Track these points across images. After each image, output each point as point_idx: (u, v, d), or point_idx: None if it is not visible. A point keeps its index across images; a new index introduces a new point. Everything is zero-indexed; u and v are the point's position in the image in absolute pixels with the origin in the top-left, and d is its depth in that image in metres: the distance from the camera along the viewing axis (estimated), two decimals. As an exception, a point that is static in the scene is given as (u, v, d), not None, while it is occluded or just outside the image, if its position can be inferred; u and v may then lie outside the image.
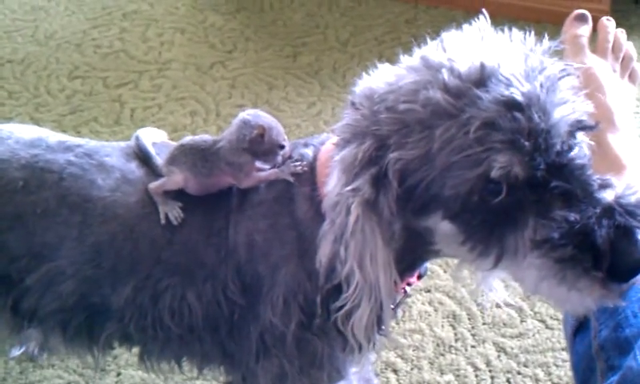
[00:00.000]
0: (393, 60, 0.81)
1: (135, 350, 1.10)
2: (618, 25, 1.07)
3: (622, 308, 0.87)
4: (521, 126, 0.68)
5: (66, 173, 0.98)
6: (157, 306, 0.96)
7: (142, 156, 1.01)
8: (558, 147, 0.70)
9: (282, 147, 0.95)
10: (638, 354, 0.81)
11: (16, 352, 1.45)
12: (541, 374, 1.40)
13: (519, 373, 1.41)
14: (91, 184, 0.97)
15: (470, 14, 0.81)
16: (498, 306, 1.51)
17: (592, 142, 0.81)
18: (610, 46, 1.05)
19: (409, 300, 1.52)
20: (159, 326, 0.97)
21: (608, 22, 1.06)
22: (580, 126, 0.74)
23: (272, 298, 0.91)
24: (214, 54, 2.43)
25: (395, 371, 1.42)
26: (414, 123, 0.72)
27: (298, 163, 0.92)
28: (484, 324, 1.51)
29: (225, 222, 0.94)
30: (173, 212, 0.95)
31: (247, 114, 0.96)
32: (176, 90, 2.27)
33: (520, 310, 1.52)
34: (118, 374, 1.43)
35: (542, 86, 0.71)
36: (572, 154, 0.71)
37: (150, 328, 0.98)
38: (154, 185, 0.96)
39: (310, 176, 0.91)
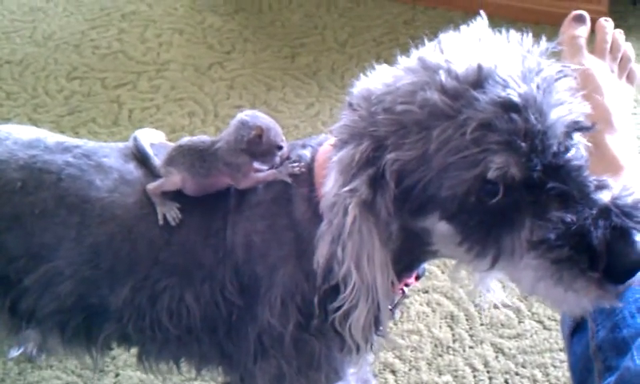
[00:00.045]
0: (391, 61, 0.81)
1: (134, 350, 1.10)
2: (616, 26, 1.07)
3: (620, 309, 0.87)
4: (517, 127, 0.68)
5: (64, 174, 0.98)
6: (155, 306, 0.96)
7: (140, 157, 1.02)
8: (555, 148, 0.70)
9: (280, 148, 0.95)
10: (635, 355, 0.81)
11: (14, 353, 1.45)
12: (539, 375, 1.40)
13: (517, 373, 1.41)
14: (89, 185, 0.97)
15: (468, 15, 0.81)
16: (495, 306, 1.51)
17: (589, 143, 0.81)
18: (608, 46, 1.05)
19: (407, 301, 1.52)
20: (157, 327, 0.97)
21: (606, 23, 1.06)
22: (577, 127, 0.74)
23: (270, 298, 0.91)
24: (213, 55, 2.43)
25: (393, 372, 1.42)
26: (412, 124, 0.72)
27: (296, 164, 0.92)
28: (482, 325, 1.51)
29: (223, 222, 0.94)
30: (171, 213, 0.95)
31: (245, 114, 0.96)
32: (174, 91, 2.27)
33: (518, 311, 1.52)
34: (117, 375, 1.43)
35: (538, 87, 0.71)
36: (569, 155, 0.72)
37: (148, 329, 0.98)
38: (152, 186, 0.96)
39: (307, 177, 0.91)
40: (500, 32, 0.78)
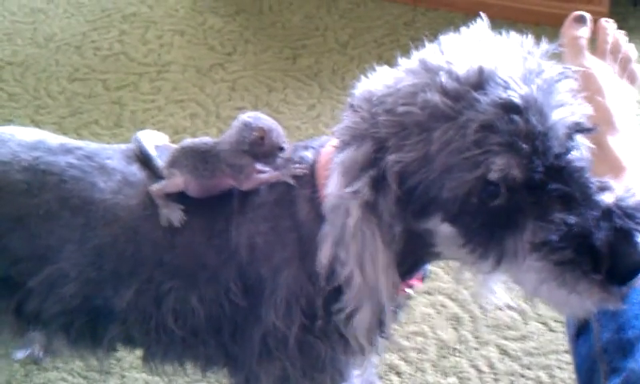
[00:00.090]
0: (392, 62, 0.81)
1: (139, 352, 1.10)
2: (617, 27, 1.08)
3: (624, 310, 0.87)
4: (518, 128, 0.68)
5: (67, 175, 0.98)
6: (160, 308, 0.96)
7: (143, 158, 1.02)
8: (556, 150, 0.70)
9: (282, 149, 0.95)
10: (640, 356, 0.81)
11: (20, 354, 1.45)
12: (544, 377, 1.40)
13: (522, 375, 1.41)
14: (93, 186, 0.97)
15: (469, 16, 0.81)
16: (500, 308, 1.51)
17: (591, 144, 0.81)
18: (609, 47, 1.05)
19: (411, 303, 1.52)
20: (162, 329, 0.97)
21: (607, 24, 1.06)
22: (578, 128, 0.74)
23: (274, 300, 0.91)
24: (214, 56, 2.43)
25: (398, 374, 1.42)
26: (413, 126, 0.72)
27: (298, 165, 0.93)
28: (487, 327, 1.51)
29: (226, 224, 0.94)
30: (174, 214, 0.95)
31: (247, 116, 0.96)
32: (176, 92, 2.27)
33: (522, 313, 1.52)
34: (122, 377, 1.43)
35: (539, 88, 0.71)
36: (570, 156, 0.72)
37: (153, 330, 0.98)
38: (155, 187, 0.97)
39: (310, 178, 0.91)
40: (501, 33, 0.78)
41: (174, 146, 1.01)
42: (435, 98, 0.71)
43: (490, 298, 0.88)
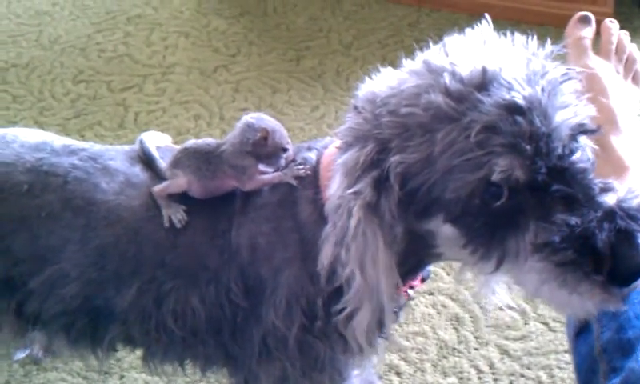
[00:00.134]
0: (396, 63, 0.81)
1: (139, 352, 1.10)
2: (622, 27, 1.07)
3: (625, 310, 0.87)
4: (522, 129, 0.68)
5: (70, 176, 0.98)
6: (160, 308, 0.97)
7: (146, 159, 1.02)
8: (560, 151, 0.70)
9: (286, 150, 0.95)
10: (640, 356, 0.81)
11: (20, 355, 1.46)
12: (544, 377, 1.40)
13: (522, 375, 1.41)
14: (95, 187, 0.98)
15: (473, 17, 0.81)
16: (500, 308, 1.51)
17: (595, 145, 0.81)
18: (614, 47, 1.05)
19: (412, 303, 1.52)
20: (163, 329, 0.98)
21: (611, 24, 1.06)
22: (582, 129, 0.74)
23: (274, 300, 0.91)
24: (218, 58, 2.44)
25: (398, 374, 1.42)
26: (416, 127, 0.72)
27: (302, 166, 0.93)
28: (487, 327, 1.50)
29: (228, 224, 0.95)
30: (176, 215, 0.95)
31: (251, 117, 0.96)
32: (180, 94, 2.27)
33: (523, 313, 1.52)
34: (122, 377, 1.43)
35: (543, 89, 0.71)
36: (573, 157, 0.72)
37: (154, 330, 0.98)
38: (157, 188, 0.97)
39: (313, 179, 0.91)
40: (505, 35, 0.78)
41: (177, 146, 1.02)
42: (438, 99, 0.71)
43: (491, 298, 0.88)
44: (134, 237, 0.96)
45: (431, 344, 1.48)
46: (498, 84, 0.70)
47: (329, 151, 0.91)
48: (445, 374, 1.42)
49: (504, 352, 1.45)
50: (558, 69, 0.75)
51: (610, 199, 0.71)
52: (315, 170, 0.92)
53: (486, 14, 0.80)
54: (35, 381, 1.43)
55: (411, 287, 0.96)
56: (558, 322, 1.49)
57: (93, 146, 1.05)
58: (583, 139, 0.76)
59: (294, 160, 0.95)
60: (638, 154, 0.96)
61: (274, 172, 0.94)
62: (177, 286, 0.96)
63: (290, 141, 0.96)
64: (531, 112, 0.69)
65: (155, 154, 1.02)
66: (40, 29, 2.65)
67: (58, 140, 1.05)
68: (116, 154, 1.03)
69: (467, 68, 0.71)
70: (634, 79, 1.07)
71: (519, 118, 0.68)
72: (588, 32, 1.03)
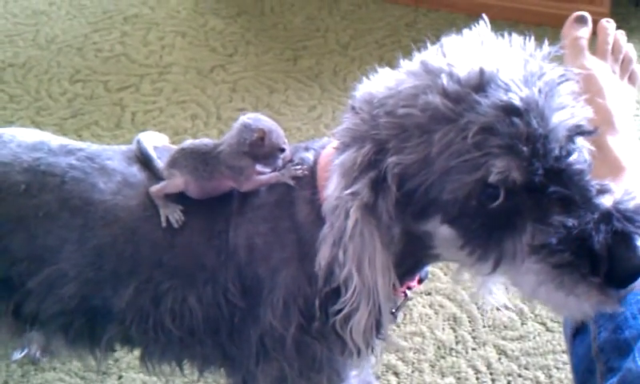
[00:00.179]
0: (393, 63, 0.81)
1: (137, 352, 1.10)
2: (618, 27, 1.07)
3: (621, 311, 0.87)
4: (519, 131, 0.68)
5: (67, 176, 0.98)
6: (158, 308, 0.97)
7: (143, 159, 1.02)
8: (557, 152, 0.70)
9: (283, 151, 0.95)
10: (637, 356, 0.81)
11: (18, 355, 1.46)
12: (541, 377, 1.40)
13: (520, 375, 1.41)
14: (93, 187, 0.98)
15: (471, 17, 0.81)
16: (498, 308, 1.51)
17: (591, 146, 0.81)
18: (610, 47, 1.05)
19: (409, 303, 1.52)
20: (160, 329, 0.98)
21: (608, 24, 1.06)
22: (579, 131, 0.74)
23: (272, 300, 0.91)
24: (215, 58, 2.44)
25: (396, 374, 1.42)
26: (413, 128, 0.72)
27: (299, 167, 0.93)
28: (484, 327, 1.51)
29: (225, 224, 0.95)
30: (174, 215, 0.95)
31: (248, 117, 0.96)
32: (177, 94, 2.27)
33: (521, 313, 1.53)
34: (120, 377, 1.43)
35: (540, 91, 0.71)
36: (570, 159, 0.72)
37: (151, 330, 0.98)
38: (155, 188, 0.97)
39: (310, 180, 0.91)
40: (502, 35, 0.78)
41: (174, 147, 1.02)
42: (436, 100, 0.71)
43: (489, 298, 0.89)
44: (131, 237, 0.96)
45: (429, 344, 1.48)
46: (495, 85, 0.70)
47: (326, 151, 0.91)
48: (442, 374, 1.42)
49: (502, 352, 1.46)
50: (555, 70, 0.75)
51: (606, 201, 0.71)
52: (312, 170, 0.92)
53: (484, 15, 0.80)
54: (33, 381, 1.43)
55: (409, 288, 0.96)
56: (555, 322, 1.50)
57: (90, 146, 1.04)
58: (580, 140, 0.76)
59: (291, 160, 0.95)
60: (634, 154, 0.96)
61: (271, 172, 0.94)
62: (174, 285, 0.96)
63: (287, 141, 0.96)
64: (528, 113, 0.69)
65: (152, 153, 1.02)
66: (37, 28, 2.65)
67: (55, 140, 1.05)
68: (113, 154, 1.03)
69: (465, 69, 0.71)
70: (630, 79, 1.07)
71: (516, 120, 0.68)
72: (584, 32, 1.03)
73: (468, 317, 1.53)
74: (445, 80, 0.71)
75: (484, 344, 1.47)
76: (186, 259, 0.95)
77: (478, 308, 1.54)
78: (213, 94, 2.26)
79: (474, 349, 1.47)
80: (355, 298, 0.77)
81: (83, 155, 1.01)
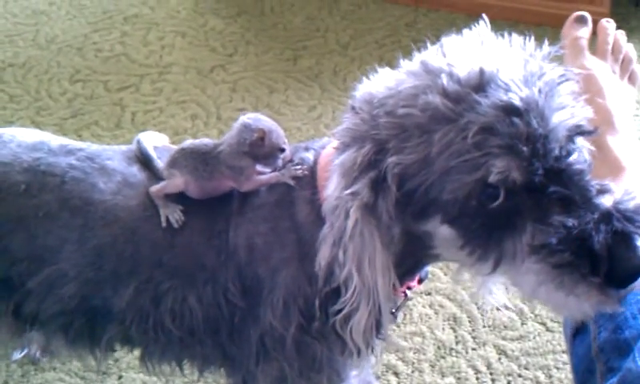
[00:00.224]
0: (393, 63, 0.81)
1: (137, 352, 1.10)
2: (618, 27, 1.08)
3: (621, 310, 0.87)
4: (519, 131, 0.68)
5: (67, 176, 0.98)
6: (158, 308, 0.97)
7: (143, 159, 1.02)
8: (557, 152, 0.70)
9: (283, 151, 0.95)
10: (637, 356, 0.81)
11: (18, 355, 1.46)
12: (542, 377, 1.40)
13: (520, 375, 1.41)
14: (93, 187, 0.98)
15: (471, 17, 0.81)
16: (498, 308, 1.51)
17: (591, 146, 0.81)
18: (610, 47, 1.05)
19: (409, 303, 1.52)
20: (160, 329, 0.98)
21: (608, 24, 1.06)
22: (579, 131, 0.74)
23: (272, 300, 0.91)
24: (215, 58, 2.44)
25: (396, 374, 1.42)
26: (413, 128, 0.72)
27: (299, 167, 0.93)
28: (484, 327, 1.51)
29: (225, 224, 0.95)
30: (174, 215, 0.95)
31: (248, 117, 0.96)
32: (177, 94, 2.27)
33: (521, 313, 1.53)
34: (120, 377, 1.43)
35: (540, 91, 0.71)
36: (570, 159, 0.72)
37: (151, 330, 0.98)
38: (155, 188, 0.97)
39: (310, 180, 0.91)
40: (502, 35, 0.78)
41: (174, 147, 1.02)
42: (436, 100, 0.71)
43: (489, 298, 0.89)
44: (131, 237, 0.96)
45: (429, 344, 1.48)
46: (495, 85, 0.70)
47: (326, 151, 0.91)
48: (442, 374, 1.42)
49: (502, 352, 1.46)
50: (555, 70, 0.75)
51: (606, 201, 0.71)
52: (313, 170, 0.92)
53: (484, 15, 0.80)
54: (33, 381, 1.43)
55: (409, 288, 0.96)
56: (555, 322, 1.50)
57: (90, 146, 1.05)
58: (580, 140, 0.76)
59: (291, 160, 0.95)
60: (634, 154, 0.96)
61: (271, 172, 0.94)
62: (174, 285, 0.96)
63: (287, 141, 0.96)
64: (528, 113, 0.69)
65: (152, 153, 1.02)
66: (37, 28, 2.65)
67: (55, 140, 1.05)
68: (113, 154, 1.03)
69: (465, 69, 0.71)
70: (630, 79, 1.07)
71: (516, 120, 0.68)
72: (584, 32, 1.03)
73: (468, 317, 1.53)
74: (445, 80, 0.71)
75: (484, 344, 1.47)
76: (186, 259, 0.95)
77: (478, 308, 1.54)
78: (213, 94, 2.26)
79: (474, 349, 1.47)
80: (355, 298, 0.77)
81: (83, 155, 1.01)
